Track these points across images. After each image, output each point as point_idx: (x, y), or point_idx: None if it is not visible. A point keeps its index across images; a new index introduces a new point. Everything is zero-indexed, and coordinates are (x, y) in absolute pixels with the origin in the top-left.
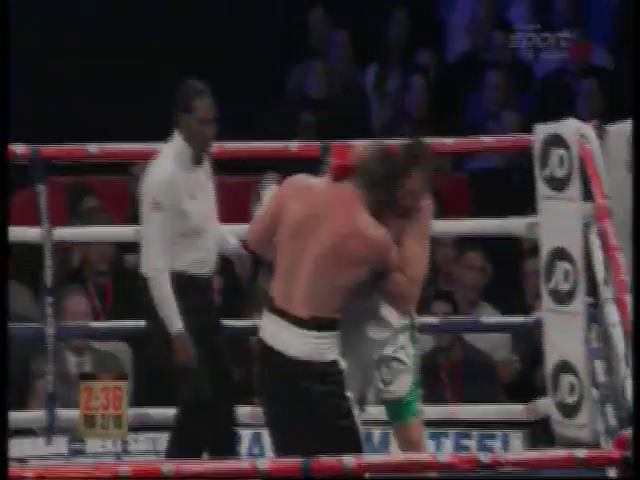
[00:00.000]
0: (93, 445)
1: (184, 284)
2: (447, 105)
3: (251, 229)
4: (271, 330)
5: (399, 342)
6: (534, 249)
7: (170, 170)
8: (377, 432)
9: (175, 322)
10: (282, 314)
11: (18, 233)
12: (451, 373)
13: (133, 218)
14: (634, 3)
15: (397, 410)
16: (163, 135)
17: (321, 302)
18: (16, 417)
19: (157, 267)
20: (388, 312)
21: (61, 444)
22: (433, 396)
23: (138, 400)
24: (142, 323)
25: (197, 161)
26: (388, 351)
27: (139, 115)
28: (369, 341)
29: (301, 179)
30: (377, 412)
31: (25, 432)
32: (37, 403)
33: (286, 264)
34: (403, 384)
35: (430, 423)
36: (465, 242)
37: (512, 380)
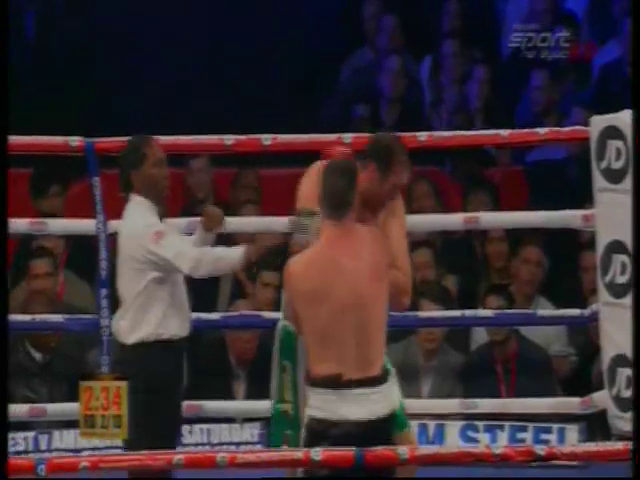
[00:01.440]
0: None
1: (174, 350)
2: (504, 98)
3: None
4: (348, 404)
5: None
6: (591, 242)
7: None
8: (432, 424)
9: (234, 255)
10: (360, 383)
11: (74, 225)
12: (506, 366)
13: (186, 211)
14: (634, 3)
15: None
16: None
17: (382, 349)
18: (71, 409)
19: (193, 256)
20: None
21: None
22: (488, 389)
23: (193, 392)
24: (197, 315)
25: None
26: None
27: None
28: None
29: (295, 264)
30: (430, 405)
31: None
32: None
33: (339, 335)
34: (395, 397)
35: (485, 416)
36: (522, 236)
37: (568, 374)
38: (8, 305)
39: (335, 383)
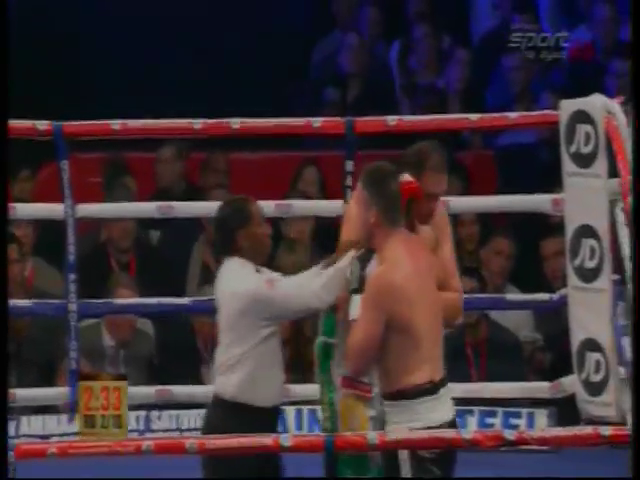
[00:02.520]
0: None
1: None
2: (474, 82)
3: (363, 356)
4: (442, 406)
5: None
6: (558, 227)
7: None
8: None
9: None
10: (442, 383)
11: (42, 209)
12: (477, 350)
13: (158, 196)
14: (634, 3)
15: (359, 463)
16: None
17: None
18: (40, 394)
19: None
20: None
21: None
22: (458, 373)
23: (161, 377)
24: (165, 300)
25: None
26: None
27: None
28: None
29: (391, 275)
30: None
31: (50, 409)
32: (63, 380)
33: (429, 341)
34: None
35: (456, 401)
36: (493, 224)
37: (537, 358)
38: (7, 306)
39: (429, 389)
